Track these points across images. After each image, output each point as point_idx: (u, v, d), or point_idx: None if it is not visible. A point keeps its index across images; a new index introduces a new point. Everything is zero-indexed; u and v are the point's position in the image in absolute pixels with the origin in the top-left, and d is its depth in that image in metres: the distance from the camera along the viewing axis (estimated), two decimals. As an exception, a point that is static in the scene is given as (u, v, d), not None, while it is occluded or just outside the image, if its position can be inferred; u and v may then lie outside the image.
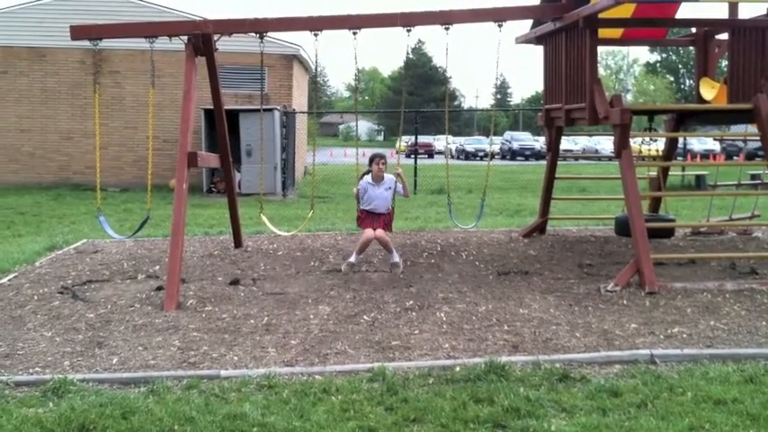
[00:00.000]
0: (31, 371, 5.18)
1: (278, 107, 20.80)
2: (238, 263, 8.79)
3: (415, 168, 22.15)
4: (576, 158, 40.14)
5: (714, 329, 5.98)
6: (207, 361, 5.36)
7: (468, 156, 48.52)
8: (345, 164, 28.81)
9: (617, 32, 10.30)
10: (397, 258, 8.55)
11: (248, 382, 4.89)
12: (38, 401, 4.62)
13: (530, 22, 9.91)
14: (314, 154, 10.13)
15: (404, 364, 5.24)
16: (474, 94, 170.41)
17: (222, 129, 9.22)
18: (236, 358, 5.41)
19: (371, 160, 8.84)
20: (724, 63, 10.34)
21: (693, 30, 10.59)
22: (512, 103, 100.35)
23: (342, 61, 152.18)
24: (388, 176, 8.86)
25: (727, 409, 4.39)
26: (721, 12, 9.68)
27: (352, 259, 8.47)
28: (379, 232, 8.52)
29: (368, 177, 8.77)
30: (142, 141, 21.54)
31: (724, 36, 9.81)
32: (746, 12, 9.53)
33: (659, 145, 10.93)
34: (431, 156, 45.70)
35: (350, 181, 23.90)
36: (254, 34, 8.59)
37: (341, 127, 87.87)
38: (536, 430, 4.14)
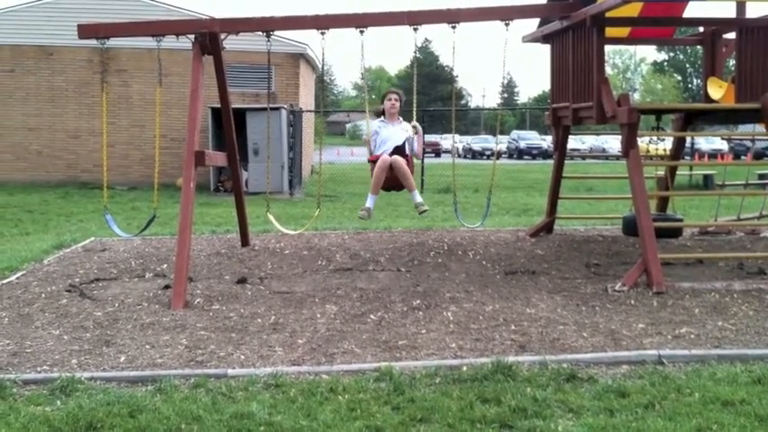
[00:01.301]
0: (38, 369, 5.20)
1: (285, 106, 20.82)
2: (245, 261, 8.80)
3: (422, 167, 22.12)
4: (584, 158, 40.07)
5: (722, 330, 5.96)
6: (214, 360, 5.37)
7: (475, 155, 48.52)
8: (352, 163, 28.84)
9: (624, 31, 10.26)
10: (419, 198, 8.17)
11: (255, 381, 4.90)
12: (45, 400, 4.64)
13: (537, 20, 9.88)
14: (320, 153, 10.11)
15: (411, 363, 5.24)
16: (481, 92, 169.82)
17: (229, 127, 9.23)
18: (243, 357, 5.42)
19: (384, 97, 8.43)
20: (731, 62, 10.30)
21: (701, 29, 10.55)
22: (519, 101, 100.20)
23: (348, 60, 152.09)
24: (405, 123, 8.49)
25: (735, 410, 4.38)
26: (729, 11, 9.65)
27: (369, 203, 8.11)
28: (397, 158, 7.98)
29: (380, 118, 8.42)
30: (149, 140, 21.61)
31: (732, 35, 9.77)
32: (754, 11, 9.50)
33: (667, 144, 10.89)
34: (438, 155, 45.68)
35: (357, 180, 23.99)
36: (260, 33, 8.59)
37: (348, 126, 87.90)
38: (543, 431, 4.14)
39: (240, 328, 6.14)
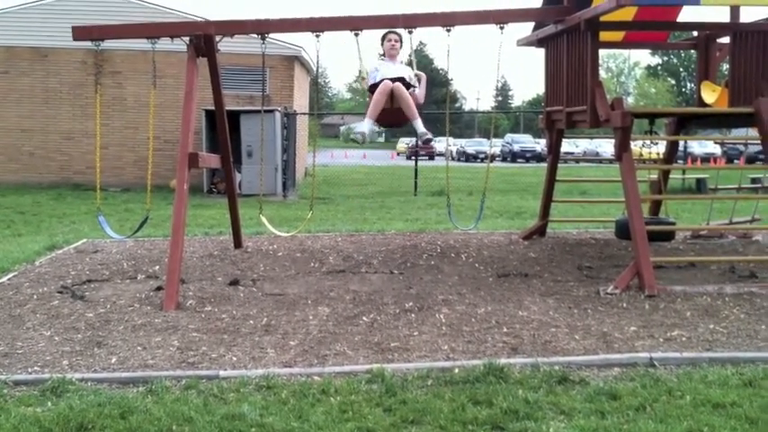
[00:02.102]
0: (29, 370, 5.19)
1: (279, 108, 20.82)
2: (238, 263, 8.79)
3: (416, 170, 22.16)
4: (577, 161, 40.15)
5: (713, 333, 5.98)
6: (206, 361, 5.36)
7: (469, 158, 48.59)
8: (346, 165, 28.87)
9: (618, 35, 10.29)
10: (422, 127, 7.79)
11: (247, 383, 4.89)
12: (36, 400, 4.62)
13: (531, 24, 9.91)
14: (314, 155, 10.10)
15: (403, 365, 5.24)
16: (475, 96, 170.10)
17: (223, 129, 9.23)
18: (234, 359, 5.42)
19: (383, 38, 8.06)
20: (725, 66, 10.34)
21: (695, 33, 10.59)
22: (513, 105, 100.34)
23: (343, 63, 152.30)
24: (408, 67, 8.14)
25: (726, 412, 4.38)
26: (723, 15, 9.71)
27: (366, 127, 7.81)
28: (399, 84, 7.61)
29: (380, 58, 8.10)
30: (143, 142, 21.57)
31: (725, 40, 9.81)
32: (748, 16, 9.55)
33: (660, 148, 10.92)
34: (431, 157, 45.69)
35: (351, 182, 23.99)
36: (255, 35, 8.59)
37: (342, 128, 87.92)
38: (534, 432, 4.15)
39: (232, 329, 6.13)
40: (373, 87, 7.87)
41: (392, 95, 7.75)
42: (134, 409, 4.42)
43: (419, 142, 7.91)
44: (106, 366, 5.26)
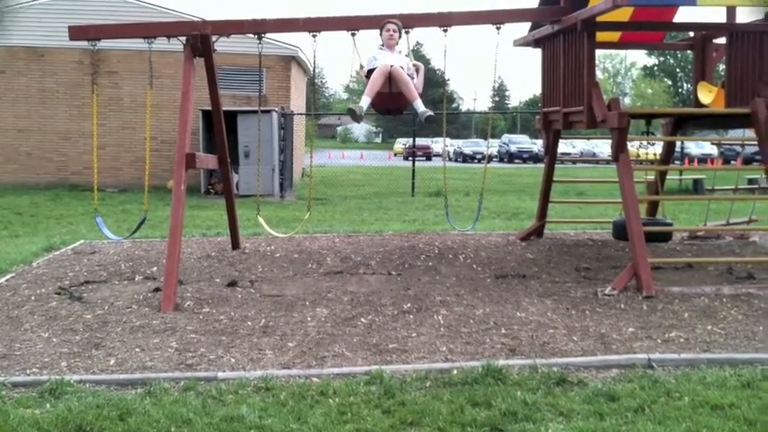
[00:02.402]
0: (28, 371, 5.18)
1: (276, 109, 20.80)
2: (236, 264, 8.78)
3: (413, 170, 22.16)
4: (574, 162, 40.13)
5: (711, 334, 5.99)
6: (204, 363, 5.36)
7: (466, 158, 48.60)
8: (343, 166, 28.89)
9: (615, 36, 10.30)
10: (422, 107, 7.67)
11: (245, 384, 4.89)
12: (35, 402, 4.62)
13: (528, 24, 9.92)
14: (311, 156, 10.09)
15: (401, 366, 5.25)
16: (472, 96, 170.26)
17: (220, 130, 9.22)
18: (233, 360, 5.41)
19: (382, 28, 7.93)
20: (722, 67, 10.36)
21: (691, 34, 10.60)
22: (510, 105, 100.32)
23: (340, 63, 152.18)
24: (405, 57, 8.08)
25: (724, 414, 4.40)
26: (719, 16, 9.71)
27: (362, 103, 7.66)
28: (397, 67, 7.58)
29: (379, 47, 8.02)
30: (140, 142, 21.52)
31: (722, 40, 9.82)
32: (744, 16, 9.55)
33: (657, 149, 10.94)
34: (429, 158, 45.72)
35: (348, 183, 23.98)
36: (252, 35, 8.59)
37: (339, 129, 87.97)
38: (533, 434, 4.15)
39: (230, 331, 6.13)
40: (370, 73, 7.79)
41: (390, 80, 7.67)
42: (133, 411, 4.42)
43: (420, 121, 7.80)
44: (104, 368, 5.25)
